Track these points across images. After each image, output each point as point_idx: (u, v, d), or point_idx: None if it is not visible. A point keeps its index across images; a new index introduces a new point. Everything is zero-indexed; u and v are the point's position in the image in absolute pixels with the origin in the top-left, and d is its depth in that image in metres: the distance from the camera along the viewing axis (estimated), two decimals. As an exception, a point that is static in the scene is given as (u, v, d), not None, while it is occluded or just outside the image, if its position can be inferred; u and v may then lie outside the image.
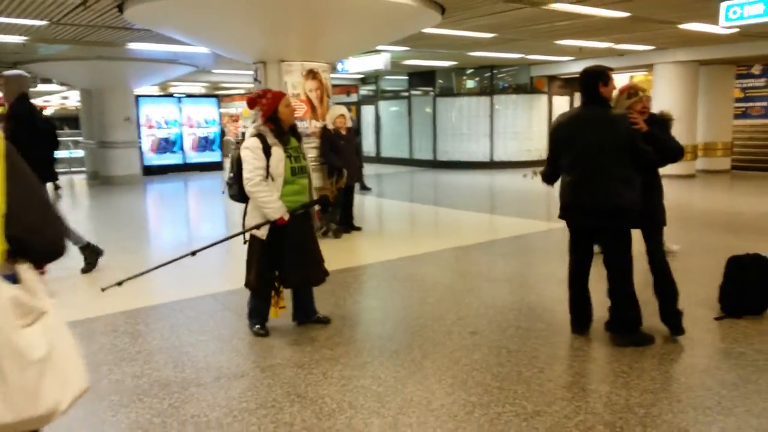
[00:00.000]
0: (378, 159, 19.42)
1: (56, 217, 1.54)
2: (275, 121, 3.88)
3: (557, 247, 6.07)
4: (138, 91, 16.23)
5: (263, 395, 3.21)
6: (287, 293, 4.16)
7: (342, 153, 7.16)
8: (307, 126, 7.39)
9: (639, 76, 17.07)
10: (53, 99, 25.92)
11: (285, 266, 3.94)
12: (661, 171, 3.92)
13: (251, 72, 7.88)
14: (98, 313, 4.63)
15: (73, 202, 11.99)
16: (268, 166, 3.78)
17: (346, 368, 3.54)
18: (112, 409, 3.09)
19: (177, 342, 4.01)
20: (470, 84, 17.06)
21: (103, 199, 12.28)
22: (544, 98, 16.84)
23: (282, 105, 3.87)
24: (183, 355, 3.78)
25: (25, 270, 1.44)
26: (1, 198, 1.37)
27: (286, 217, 3.82)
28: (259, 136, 3.83)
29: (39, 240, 1.46)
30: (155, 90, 21.57)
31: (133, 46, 11.07)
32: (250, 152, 3.78)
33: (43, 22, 8.28)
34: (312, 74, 7.40)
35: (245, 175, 3.77)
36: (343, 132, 7.27)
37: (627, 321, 3.78)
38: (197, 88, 22.09)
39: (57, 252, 1.51)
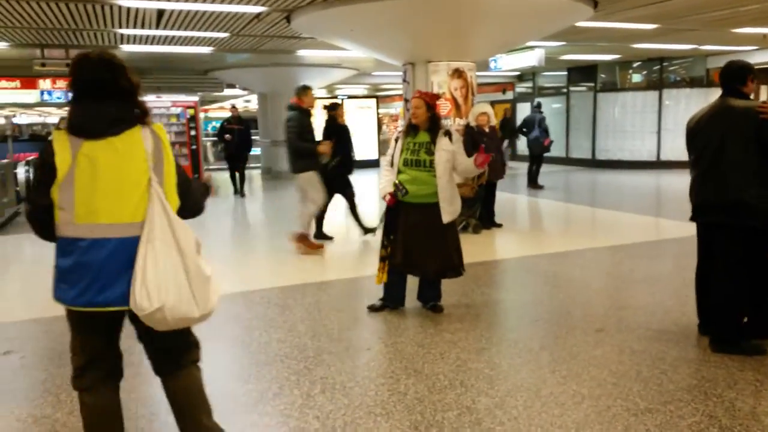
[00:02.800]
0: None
1: (198, 190, 2.43)
2: (410, 118, 4.33)
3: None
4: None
5: (384, 367, 3.54)
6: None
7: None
8: (451, 123, 7.64)
9: None
10: (237, 102, 28.94)
11: (392, 246, 4.31)
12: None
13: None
14: (256, 287, 5.31)
15: (254, 193, 13.44)
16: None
17: (463, 351, 3.74)
18: (257, 367, 3.61)
19: (317, 316, 4.51)
20: (636, 78, 16.05)
21: (274, 192, 13.61)
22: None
23: (412, 106, 4.31)
24: (320, 327, 4.25)
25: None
26: (173, 172, 2.18)
27: (386, 198, 4.27)
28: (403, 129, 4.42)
29: (189, 202, 2.29)
30: (322, 92, 23.21)
31: (302, 52, 12.17)
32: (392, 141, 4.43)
33: (225, 34, 9.50)
34: (458, 73, 7.63)
35: None
36: (486, 129, 7.40)
37: (725, 328, 3.56)
38: (360, 89, 23.36)
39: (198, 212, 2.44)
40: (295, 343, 3.94)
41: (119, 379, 2.36)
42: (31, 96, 13.63)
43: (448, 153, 4.19)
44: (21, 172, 11.18)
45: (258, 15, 8.02)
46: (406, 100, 8.09)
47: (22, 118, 29.50)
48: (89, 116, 2.08)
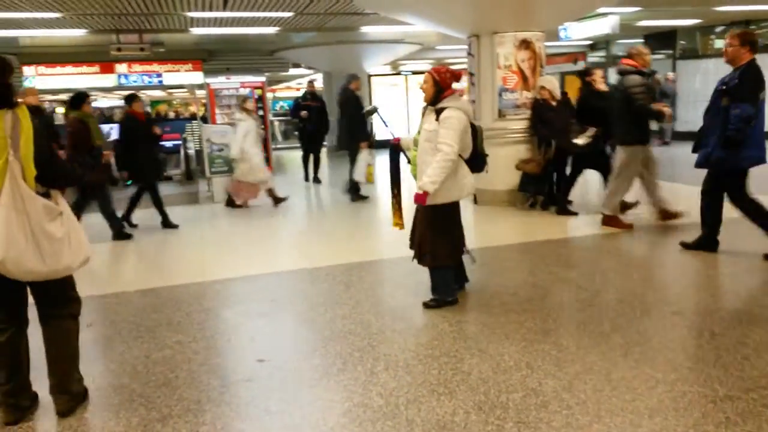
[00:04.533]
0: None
1: (60, 161, 2.92)
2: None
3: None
4: (370, 70, 17.58)
5: (447, 345, 3.51)
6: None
7: (551, 124, 7.03)
8: (518, 97, 7.40)
9: None
10: (303, 81, 29.26)
11: None
12: None
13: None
14: (322, 264, 5.38)
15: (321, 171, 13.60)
16: None
17: (529, 332, 3.65)
18: (322, 342, 3.66)
19: (381, 293, 4.52)
20: (719, 44, 14.98)
21: (343, 169, 13.70)
22: (818, 55, 14.05)
23: None
24: (384, 304, 4.26)
25: (55, 191, 2.73)
26: (31, 147, 2.58)
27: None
28: None
29: (49, 172, 2.67)
30: (386, 69, 23.06)
31: (365, 29, 12.10)
32: None
33: (290, 14, 9.55)
34: (525, 44, 7.35)
35: None
36: (553, 103, 7.11)
37: None
38: (425, 65, 23.05)
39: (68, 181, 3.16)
40: (359, 320, 3.97)
41: (24, 323, 2.81)
42: (109, 80, 14.28)
43: (428, 132, 3.92)
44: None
45: (321, -8, 8.01)
46: (471, 74, 7.89)
47: (104, 102, 31.01)
48: None
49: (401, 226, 4.40)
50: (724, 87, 4.74)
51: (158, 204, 7.26)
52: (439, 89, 3.96)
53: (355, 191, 8.64)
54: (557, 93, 7.15)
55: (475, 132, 4.05)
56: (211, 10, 9.26)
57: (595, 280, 4.73)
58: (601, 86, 6.86)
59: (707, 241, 5.02)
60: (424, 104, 4.08)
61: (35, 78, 13.81)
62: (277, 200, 8.62)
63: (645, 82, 5.80)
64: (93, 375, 3.26)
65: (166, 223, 7.28)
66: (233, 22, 10.51)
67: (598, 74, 6.97)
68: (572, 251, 5.70)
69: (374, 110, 5.05)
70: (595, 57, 18.88)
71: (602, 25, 10.99)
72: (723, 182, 4.87)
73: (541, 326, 3.73)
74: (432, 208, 3.98)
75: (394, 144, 4.34)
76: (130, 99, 7.26)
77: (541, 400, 2.82)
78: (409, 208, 4.30)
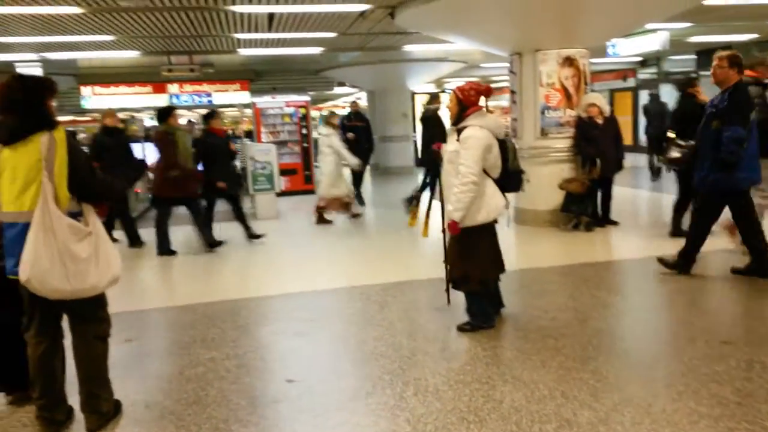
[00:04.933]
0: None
1: (99, 180, 2.91)
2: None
3: None
4: (413, 88, 17.63)
5: (480, 371, 3.41)
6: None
7: (596, 142, 6.86)
8: (561, 115, 7.25)
9: None
10: (349, 100, 29.62)
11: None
12: None
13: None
14: (359, 283, 5.35)
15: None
16: None
17: (567, 359, 3.52)
18: (353, 363, 3.63)
19: (415, 314, 4.46)
20: (778, 59, 14.37)
21: (385, 187, 13.74)
22: None
23: None
24: (417, 326, 4.19)
25: (88, 209, 2.81)
26: (65, 170, 2.66)
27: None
28: None
29: (86, 192, 2.79)
30: (431, 87, 23.11)
31: (408, 48, 12.16)
32: None
33: (333, 34, 9.69)
34: (569, 61, 7.22)
35: None
36: (599, 121, 6.94)
37: None
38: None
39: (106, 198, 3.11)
40: (390, 342, 3.91)
41: (59, 336, 2.89)
42: (161, 100, 14.78)
43: (450, 153, 3.85)
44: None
45: (363, 13, 8.09)
46: (513, 92, 7.80)
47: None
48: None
49: (426, 234, 4.50)
50: (714, 110, 4.66)
51: (241, 217, 7.43)
52: (462, 107, 3.85)
53: (411, 201, 8.67)
54: (606, 110, 7.01)
55: (506, 149, 3.91)
56: (257, 31, 9.49)
57: (639, 306, 4.55)
58: (705, 98, 6.41)
59: (759, 267, 4.77)
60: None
61: (92, 98, 14.44)
62: (355, 215, 8.78)
63: (761, 93, 5.32)
64: (127, 390, 3.31)
65: (251, 235, 7.41)
66: (279, 42, 10.74)
67: (699, 86, 6.61)
68: (616, 275, 5.50)
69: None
70: (645, 74, 18.40)
71: (652, 42, 10.71)
72: (722, 204, 4.85)
73: (580, 353, 3.59)
74: (468, 230, 3.87)
75: (435, 151, 4.23)
76: (209, 116, 7.44)
77: (575, 433, 2.70)
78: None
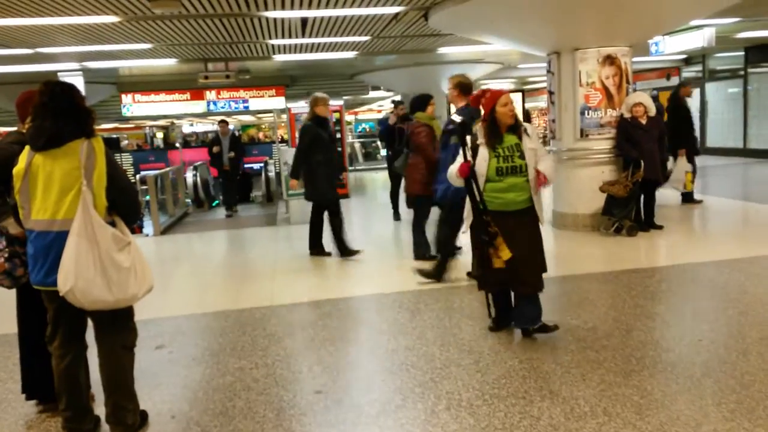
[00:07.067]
0: (703, 149, 17.04)
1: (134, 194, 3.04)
2: (491, 120, 3.80)
3: None
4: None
5: (516, 385, 3.25)
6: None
7: (640, 144, 6.58)
8: (602, 116, 7.00)
9: None
10: (384, 104, 29.65)
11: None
12: None
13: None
14: (390, 290, 5.24)
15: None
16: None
17: (608, 373, 3.32)
18: (382, 374, 3.51)
19: (448, 323, 4.31)
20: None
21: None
22: None
23: (499, 104, 3.75)
24: (450, 336, 4.05)
25: (118, 219, 2.77)
26: (104, 178, 2.64)
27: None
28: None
29: (121, 201, 2.76)
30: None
31: (443, 50, 12.02)
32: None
33: (366, 37, 9.63)
34: (609, 60, 6.96)
35: None
36: (643, 121, 6.67)
37: None
38: (506, 84, 22.64)
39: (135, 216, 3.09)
40: (422, 352, 3.78)
41: (83, 347, 2.86)
42: (199, 106, 15.02)
43: (532, 151, 3.78)
44: (189, 176, 12.35)
45: (396, 15, 7.99)
46: (551, 93, 7.57)
47: (198, 127, 32.80)
48: (33, 132, 2.64)
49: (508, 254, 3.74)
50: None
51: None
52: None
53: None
54: (653, 110, 6.74)
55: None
56: (291, 37, 9.51)
57: (686, 316, 4.30)
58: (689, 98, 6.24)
59: None
60: (489, 130, 3.79)
61: (132, 105, 14.77)
62: None
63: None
64: (154, 400, 3.28)
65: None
66: (313, 47, 10.75)
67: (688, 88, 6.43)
68: (661, 282, 5.23)
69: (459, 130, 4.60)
70: (690, 72, 17.78)
71: (696, 38, 10.30)
72: None
73: (622, 367, 3.39)
74: (538, 223, 3.91)
75: (466, 168, 3.83)
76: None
77: (617, 455, 2.52)
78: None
